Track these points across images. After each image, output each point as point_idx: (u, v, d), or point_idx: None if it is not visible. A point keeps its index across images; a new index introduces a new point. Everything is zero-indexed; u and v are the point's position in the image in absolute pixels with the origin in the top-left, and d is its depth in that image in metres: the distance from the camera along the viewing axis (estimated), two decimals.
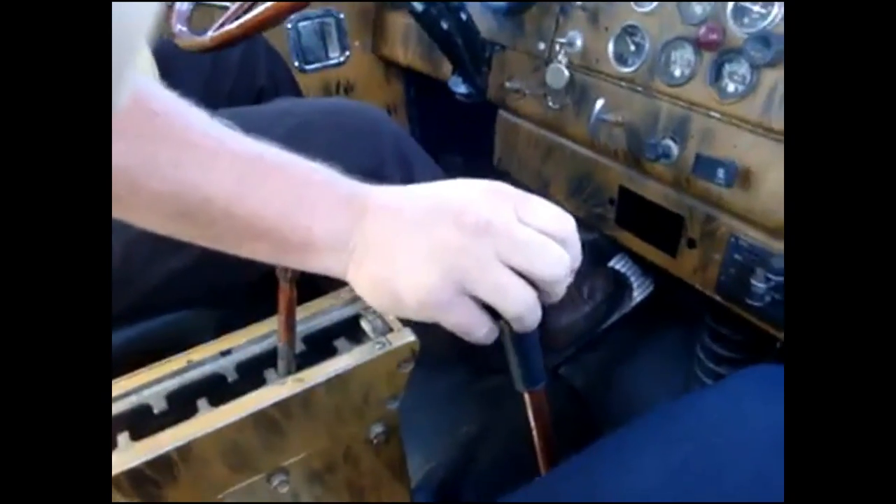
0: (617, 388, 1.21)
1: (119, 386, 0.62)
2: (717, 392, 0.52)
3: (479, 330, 0.44)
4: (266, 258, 0.46)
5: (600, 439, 0.52)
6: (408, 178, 0.88)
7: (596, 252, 1.26)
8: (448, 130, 1.50)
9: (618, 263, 1.24)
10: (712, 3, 0.72)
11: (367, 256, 0.43)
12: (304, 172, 0.46)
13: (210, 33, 0.87)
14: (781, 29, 0.66)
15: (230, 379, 0.64)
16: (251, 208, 0.44)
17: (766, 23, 0.67)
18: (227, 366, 0.64)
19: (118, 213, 0.45)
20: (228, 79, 1.14)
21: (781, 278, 0.68)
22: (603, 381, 1.21)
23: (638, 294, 1.21)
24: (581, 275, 1.19)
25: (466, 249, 0.41)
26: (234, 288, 0.91)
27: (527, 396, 0.55)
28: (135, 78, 0.44)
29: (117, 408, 0.60)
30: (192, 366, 0.64)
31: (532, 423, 0.57)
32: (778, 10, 0.66)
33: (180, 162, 0.43)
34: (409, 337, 0.63)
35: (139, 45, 0.37)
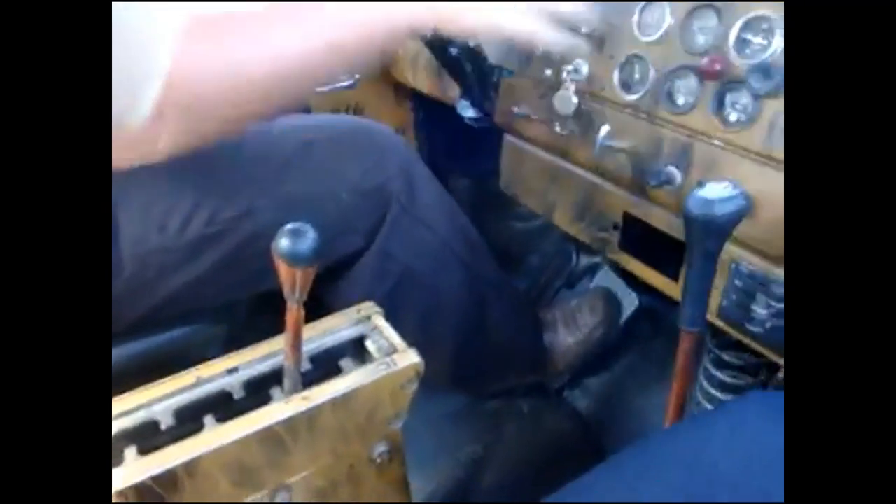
0: (620, 411, 1.21)
1: (128, 401, 0.63)
2: (718, 417, 0.53)
3: None
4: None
5: (601, 463, 0.52)
6: (411, 194, 0.90)
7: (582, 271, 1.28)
8: (457, 153, 1.52)
9: (604, 280, 1.26)
10: (714, 33, 0.73)
11: None
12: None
13: None
14: (782, 61, 0.67)
15: (237, 396, 0.65)
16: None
17: (766, 54, 0.68)
18: (234, 383, 0.65)
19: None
20: None
21: (782, 305, 0.69)
22: (606, 404, 1.22)
23: (628, 308, 1.23)
24: (576, 298, 1.21)
25: None
26: (241, 302, 0.92)
27: (682, 335, 0.65)
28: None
29: (126, 422, 0.61)
30: (200, 382, 0.65)
31: (678, 365, 0.67)
32: (778, 43, 0.67)
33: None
34: (413, 358, 0.64)
35: (159, 64, 0.39)
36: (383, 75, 1.46)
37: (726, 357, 0.95)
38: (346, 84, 1.44)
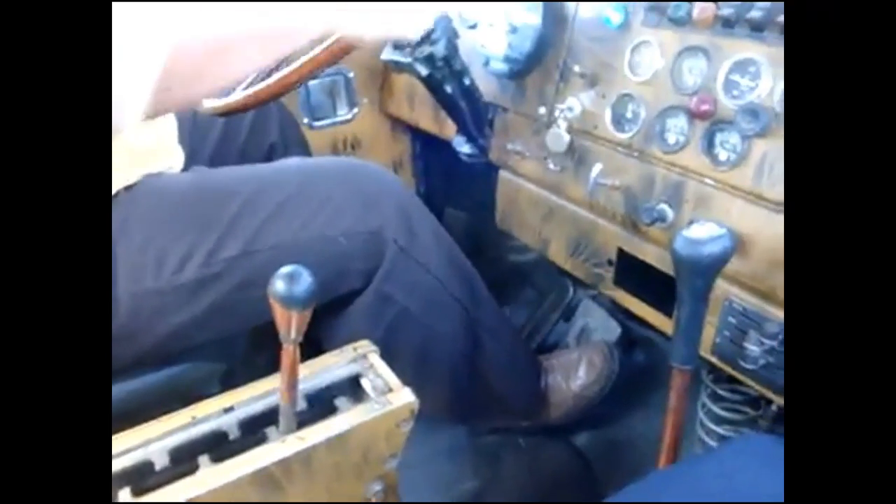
0: (618, 446, 1.20)
1: (123, 441, 0.63)
2: (712, 462, 0.53)
3: None
4: None
5: None
6: (409, 236, 0.90)
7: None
8: (453, 186, 1.53)
9: (587, 311, 1.27)
10: (704, 74, 0.75)
11: None
12: None
13: (241, 91, 0.89)
14: (770, 101, 0.68)
15: (232, 436, 0.65)
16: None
17: (754, 95, 0.70)
18: (229, 423, 0.65)
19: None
20: (241, 135, 1.18)
21: (775, 342, 0.70)
22: (605, 440, 1.21)
23: (610, 338, 1.25)
24: (576, 350, 1.22)
25: None
26: (239, 339, 0.93)
27: (674, 373, 0.67)
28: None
29: (120, 463, 0.61)
30: (195, 422, 0.65)
31: (671, 403, 0.69)
32: (766, 84, 0.69)
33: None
34: (408, 397, 0.65)
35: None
36: (380, 109, 1.48)
37: (722, 391, 0.95)
38: (343, 118, 1.46)
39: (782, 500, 0.40)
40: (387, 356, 0.70)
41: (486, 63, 1.01)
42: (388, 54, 0.92)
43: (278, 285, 0.52)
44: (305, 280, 0.52)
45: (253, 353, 0.93)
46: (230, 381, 0.71)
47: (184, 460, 0.62)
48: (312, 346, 0.71)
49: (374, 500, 0.68)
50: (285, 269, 0.53)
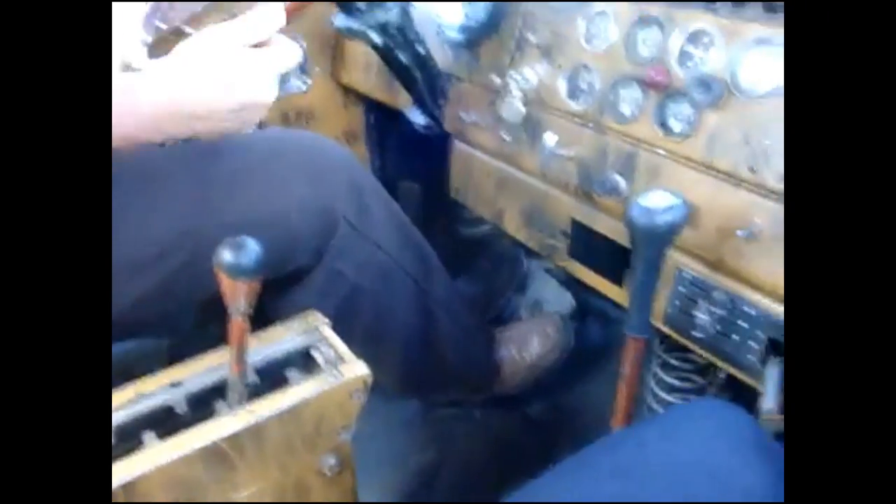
0: (574, 416, 1.22)
1: None
2: (658, 427, 0.53)
3: None
4: None
5: (544, 473, 0.52)
6: (360, 212, 0.89)
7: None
8: (407, 158, 1.51)
9: (538, 288, 1.30)
10: (658, 45, 0.75)
11: None
12: None
13: None
14: (724, 74, 0.68)
15: (180, 411, 0.63)
16: None
17: (707, 67, 0.70)
18: (176, 398, 0.64)
19: None
20: None
21: (724, 311, 0.71)
22: (560, 410, 1.23)
23: (563, 309, 1.27)
24: (529, 321, 1.23)
25: None
26: (185, 314, 0.90)
27: (628, 342, 0.69)
28: None
29: None
30: (140, 398, 0.63)
31: (624, 370, 0.71)
32: (718, 56, 0.69)
33: None
34: (362, 369, 0.64)
35: None
36: (333, 79, 1.44)
37: (673, 360, 0.97)
38: (297, 89, 1.42)
39: (724, 462, 0.41)
40: (339, 332, 0.69)
41: (441, 31, 0.99)
42: (340, 21, 0.89)
43: (225, 255, 0.50)
44: (252, 249, 0.51)
45: (202, 327, 0.90)
46: (177, 358, 0.69)
47: (129, 438, 0.60)
48: (263, 323, 0.69)
49: (328, 473, 0.67)
50: (231, 238, 0.51)
